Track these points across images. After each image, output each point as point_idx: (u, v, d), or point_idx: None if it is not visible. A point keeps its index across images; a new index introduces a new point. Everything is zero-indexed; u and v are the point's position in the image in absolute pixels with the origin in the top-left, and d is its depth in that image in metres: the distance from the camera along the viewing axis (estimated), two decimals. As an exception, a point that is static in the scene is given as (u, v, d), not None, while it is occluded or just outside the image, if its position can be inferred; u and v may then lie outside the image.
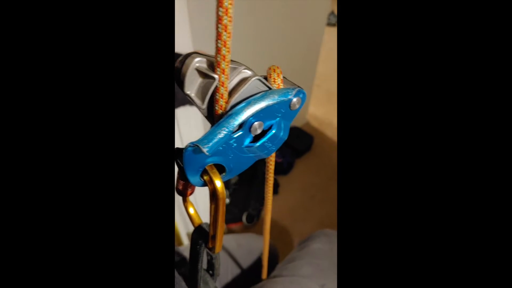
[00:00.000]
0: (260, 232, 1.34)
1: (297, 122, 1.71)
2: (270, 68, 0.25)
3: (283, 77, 0.26)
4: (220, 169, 0.27)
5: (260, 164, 1.46)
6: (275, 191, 1.47)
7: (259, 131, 0.25)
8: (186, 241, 1.15)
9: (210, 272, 0.40)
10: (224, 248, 0.64)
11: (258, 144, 0.27)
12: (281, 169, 1.52)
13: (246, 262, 0.64)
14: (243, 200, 1.37)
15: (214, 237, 0.31)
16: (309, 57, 1.48)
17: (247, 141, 0.26)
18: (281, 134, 0.28)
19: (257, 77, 0.23)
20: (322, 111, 1.85)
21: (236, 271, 0.63)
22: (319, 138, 1.68)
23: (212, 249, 0.32)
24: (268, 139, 0.27)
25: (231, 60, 0.22)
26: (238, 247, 0.65)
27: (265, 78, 0.25)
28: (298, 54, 1.39)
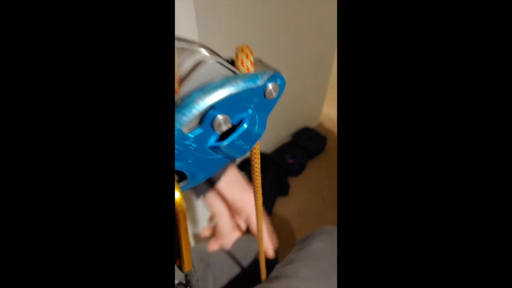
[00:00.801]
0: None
1: (310, 122, 1.67)
2: (237, 48, 0.21)
3: (257, 59, 0.22)
4: (181, 175, 0.23)
5: (270, 165, 1.43)
6: (285, 192, 1.44)
7: (225, 128, 0.21)
8: (192, 243, 1.14)
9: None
10: (220, 251, 0.61)
11: (226, 143, 0.22)
12: (291, 170, 1.49)
13: (242, 265, 0.62)
14: (252, 201, 1.34)
15: (179, 255, 0.28)
16: (324, 58, 1.44)
17: (211, 140, 0.22)
18: (256, 129, 0.24)
19: (216, 59, 0.19)
20: (336, 112, 1.81)
21: (232, 274, 0.60)
22: (332, 140, 1.63)
23: (180, 267, 0.30)
24: (239, 136, 0.23)
25: (182, 38, 0.19)
26: (234, 250, 0.62)
27: (232, 61, 0.22)
28: (313, 54, 1.35)
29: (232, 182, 0.48)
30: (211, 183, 0.47)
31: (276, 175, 1.42)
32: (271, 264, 0.59)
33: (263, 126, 0.25)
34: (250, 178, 0.49)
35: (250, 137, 0.24)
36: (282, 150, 1.54)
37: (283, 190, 1.44)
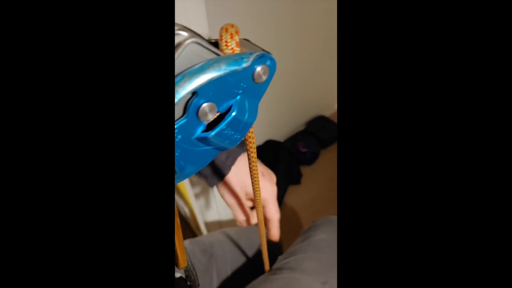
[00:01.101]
0: (281, 222, 1.30)
1: (324, 111, 1.64)
2: (222, 28, 0.19)
3: (244, 39, 0.20)
4: None
5: (282, 154, 1.42)
6: (297, 181, 1.42)
7: (211, 116, 0.20)
8: (204, 231, 1.14)
9: (188, 283, 0.37)
10: (224, 242, 0.60)
11: (213, 133, 0.21)
12: (304, 159, 1.47)
13: (246, 255, 0.61)
14: (264, 189, 1.33)
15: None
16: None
17: (198, 131, 0.20)
18: (246, 116, 0.22)
19: (195, 40, 0.17)
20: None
21: (236, 264, 0.60)
22: (347, 129, 1.60)
23: (176, 264, 0.30)
24: (227, 124, 0.21)
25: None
26: (238, 240, 0.61)
27: (216, 42, 0.20)
28: (327, 42, 1.31)
29: (242, 172, 0.46)
30: (222, 173, 0.46)
31: (288, 164, 1.41)
32: (274, 254, 0.58)
33: (254, 113, 0.23)
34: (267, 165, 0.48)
35: (241, 126, 0.22)
36: (295, 139, 1.52)
37: (295, 178, 1.43)
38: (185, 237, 0.58)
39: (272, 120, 1.42)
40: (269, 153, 1.44)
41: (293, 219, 1.28)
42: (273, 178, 0.49)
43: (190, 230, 1.28)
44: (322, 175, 1.44)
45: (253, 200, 0.49)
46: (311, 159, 1.48)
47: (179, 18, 0.54)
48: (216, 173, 0.46)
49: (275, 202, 0.47)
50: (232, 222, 1.14)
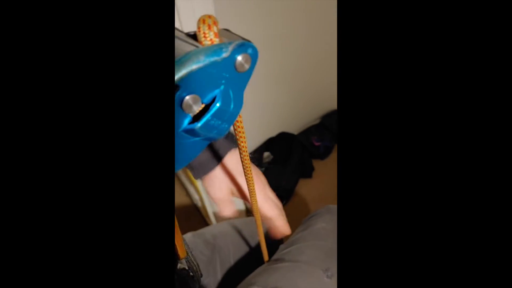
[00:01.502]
0: (289, 214, 1.30)
1: (341, 105, 1.62)
2: (199, 19, 0.19)
3: (224, 29, 0.20)
4: None
5: (295, 146, 1.41)
6: (309, 174, 1.42)
7: (196, 108, 0.20)
8: (213, 219, 1.16)
9: (191, 274, 0.38)
10: (226, 233, 0.61)
11: (199, 124, 0.21)
12: (317, 153, 1.46)
13: (249, 245, 0.62)
14: (275, 180, 1.33)
15: (172, 244, 0.29)
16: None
17: (184, 123, 0.21)
18: (231, 106, 0.22)
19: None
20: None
21: (239, 254, 0.60)
22: (363, 124, 1.58)
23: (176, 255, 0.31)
24: (213, 115, 0.21)
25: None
26: (240, 231, 0.62)
27: (194, 35, 0.20)
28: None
29: (231, 167, 0.45)
30: (210, 166, 0.45)
31: (301, 157, 1.40)
32: (275, 243, 0.58)
33: (239, 101, 0.23)
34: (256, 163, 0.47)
35: (227, 115, 0.22)
36: (309, 132, 1.51)
37: (307, 172, 1.42)
38: (197, 224, 0.58)
39: (286, 112, 1.42)
40: (282, 145, 1.43)
41: (302, 212, 1.28)
42: (262, 179, 0.47)
43: (201, 218, 1.30)
44: (334, 170, 1.43)
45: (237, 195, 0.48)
46: (324, 153, 1.47)
47: (186, 17, 0.54)
48: (203, 166, 0.45)
49: (267, 199, 0.46)
50: (238, 213, 1.15)
